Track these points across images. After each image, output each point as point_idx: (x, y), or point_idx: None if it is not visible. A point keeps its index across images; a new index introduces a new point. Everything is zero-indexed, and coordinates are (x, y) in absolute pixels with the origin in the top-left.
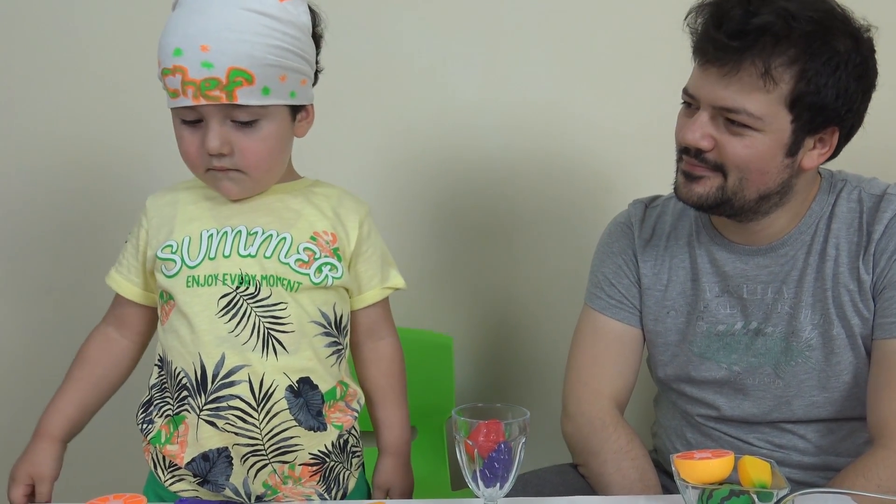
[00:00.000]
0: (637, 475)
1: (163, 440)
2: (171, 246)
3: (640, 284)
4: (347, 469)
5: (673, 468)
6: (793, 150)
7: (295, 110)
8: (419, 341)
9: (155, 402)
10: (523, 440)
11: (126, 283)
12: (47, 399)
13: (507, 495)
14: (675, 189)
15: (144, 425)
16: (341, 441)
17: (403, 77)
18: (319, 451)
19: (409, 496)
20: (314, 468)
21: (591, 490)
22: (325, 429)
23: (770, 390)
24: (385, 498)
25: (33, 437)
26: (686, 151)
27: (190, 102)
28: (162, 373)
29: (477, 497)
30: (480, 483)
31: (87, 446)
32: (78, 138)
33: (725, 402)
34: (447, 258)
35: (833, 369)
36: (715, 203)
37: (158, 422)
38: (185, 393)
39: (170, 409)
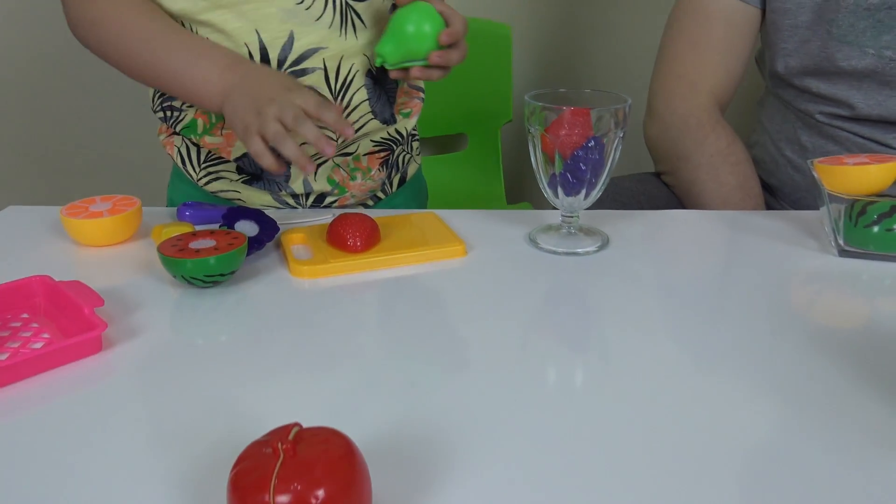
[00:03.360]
0: (736, 182)
1: (199, 130)
2: None
3: None
4: (409, 153)
5: (814, 175)
6: None
7: None
8: (471, 31)
9: None
10: (620, 135)
11: None
12: None
13: None
14: None
15: (167, 113)
16: (407, 129)
17: None
18: (382, 137)
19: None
20: (382, 157)
21: (676, 201)
22: (395, 122)
23: None
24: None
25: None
26: None
27: None
28: None
29: (554, 208)
30: (560, 190)
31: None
32: None
33: (863, 99)
34: None
35: None
36: None
37: (189, 110)
38: None
39: None
